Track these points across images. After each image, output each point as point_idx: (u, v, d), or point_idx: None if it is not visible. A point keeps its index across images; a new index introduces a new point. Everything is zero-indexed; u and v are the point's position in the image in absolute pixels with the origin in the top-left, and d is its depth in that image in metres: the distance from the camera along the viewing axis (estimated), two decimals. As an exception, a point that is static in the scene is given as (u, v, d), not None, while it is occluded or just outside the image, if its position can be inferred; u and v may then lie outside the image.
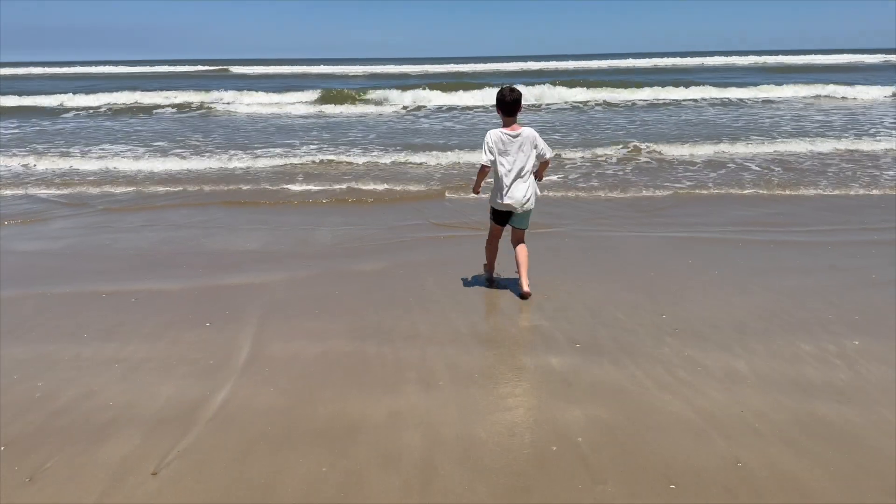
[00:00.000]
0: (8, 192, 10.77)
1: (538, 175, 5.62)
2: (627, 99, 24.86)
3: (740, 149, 13.62)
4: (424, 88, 27.37)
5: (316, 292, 5.76)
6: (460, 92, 26.87)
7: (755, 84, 28.12)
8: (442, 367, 4.27)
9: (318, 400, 3.89)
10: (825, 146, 13.52)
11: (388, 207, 9.36)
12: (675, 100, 24.62)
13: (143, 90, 29.51)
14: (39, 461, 3.34)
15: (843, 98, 24.39)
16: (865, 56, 67.26)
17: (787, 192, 9.82)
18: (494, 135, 5.33)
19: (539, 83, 28.29)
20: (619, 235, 7.51)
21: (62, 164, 13.06)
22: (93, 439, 3.54)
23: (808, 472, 3.13)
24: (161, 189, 10.80)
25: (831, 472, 3.13)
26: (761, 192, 9.88)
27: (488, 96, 24.38)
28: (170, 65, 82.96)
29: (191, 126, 19.72)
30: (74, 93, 28.66)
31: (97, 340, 4.79)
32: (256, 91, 28.66)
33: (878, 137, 14.92)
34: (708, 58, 72.53)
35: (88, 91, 29.74)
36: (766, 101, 23.87)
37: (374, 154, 13.81)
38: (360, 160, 13.02)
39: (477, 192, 5.79)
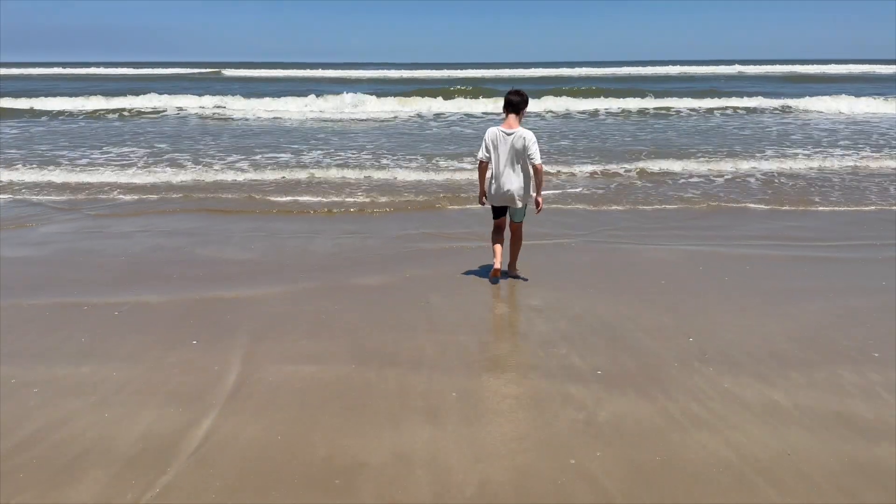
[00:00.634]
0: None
1: (537, 186, 5.72)
2: (642, 107, 24.36)
3: (752, 160, 13.25)
4: (424, 97, 27.05)
5: (313, 308, 5.36)
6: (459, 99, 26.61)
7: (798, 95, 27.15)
8: (451, 396, 3.86)
9: (314, 434, 3.48)
10: (841, 160, 13.11)
11: (390, 217, 8.96)
12: (694, 108, 24.06)
13: (137, 94, 29.15)
14: (-6, 505, 2.94)
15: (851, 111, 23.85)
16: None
17: (804, 206, 9.43)
18: (491, 132, 5.67)
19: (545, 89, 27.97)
20: (634, 248, 7.10)
21: (55, 169, 12.68)
22: (61, 476, 3.14)
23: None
24: (153, 196, 10.40)
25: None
26: (778, 206, 9.49)
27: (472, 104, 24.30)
28: (162, 67, 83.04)
29: (197, 131, 19.35)
30: (71, 95, 28.32)
31: (73, 360, 4.38)
32: (262, 97, 28.08)
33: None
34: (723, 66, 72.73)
35: (77, 93, 29.43)
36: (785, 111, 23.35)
37: (378, 161, 13.44)
38: (365, 166, 12.65)
39: (482, 203, 6.02)
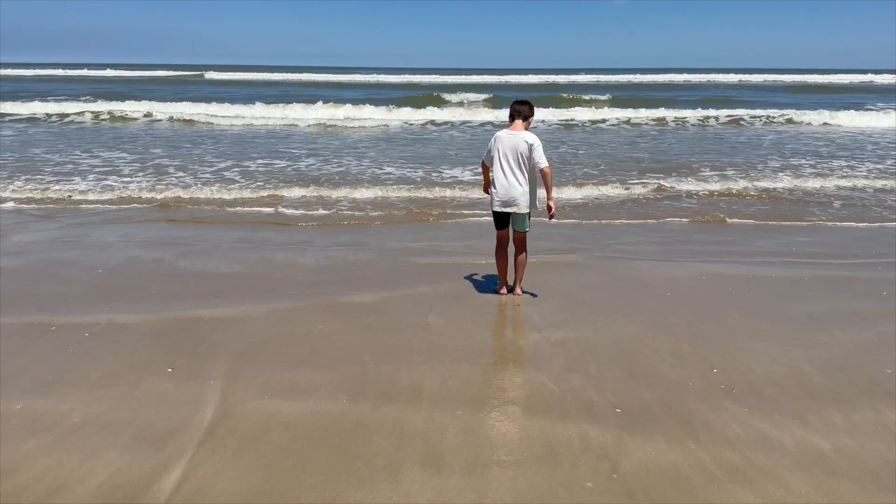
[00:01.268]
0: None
1: (547, 191, 5.50)
2: (649, 117, 23.95)
3: (756, 171, 12.92)
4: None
5: (301, 331, 4.92)
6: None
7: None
8: (453, 439, 3.44)
9: (299, 486, 3.04)
10: (850, 178, 12.75)
11: (384, 228, 8.54)
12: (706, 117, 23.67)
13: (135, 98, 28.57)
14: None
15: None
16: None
17: (814, 221, 9.09)
18: (497, 135, 5.53)
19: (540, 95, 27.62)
20: (643, 265, 6.70)
21: (36, 174, 12.20)
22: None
23: None
24: (138, 207, 9.95)
25: None
26: (787, 221, 9.14)
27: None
28: (143, 69, 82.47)
29: (182, 138, 18.91)
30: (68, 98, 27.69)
31: (31, 392, 3.92)
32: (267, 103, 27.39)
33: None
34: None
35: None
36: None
37: (373, 169, 13.04)
38: (358, 175, 12.24)
39: (486, 191, 5.80)
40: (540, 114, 23.36)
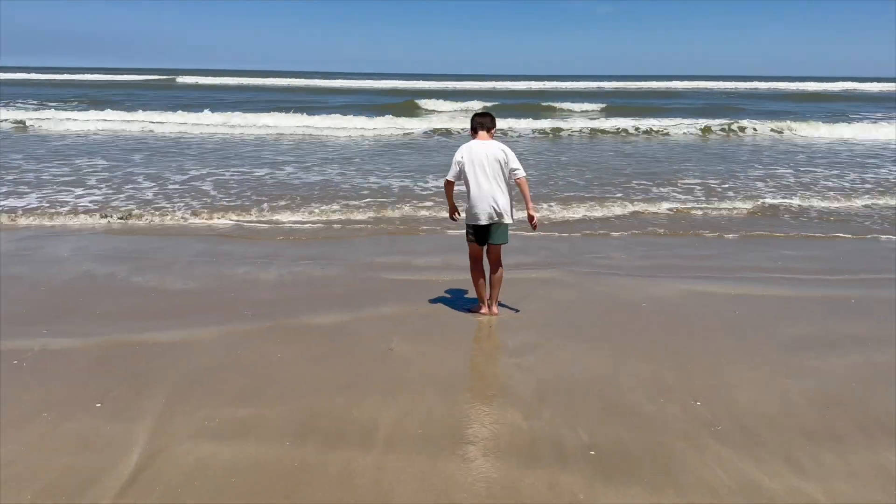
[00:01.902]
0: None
1: (526, 200, 5.23)
2: (633, 126, 23.56)
3: (738, 181, 12.68)
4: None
5: (252, 357, 4.52)
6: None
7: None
8: (407, 486, 3.06)
9: (222, 549, 2.65)
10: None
11: (356, 241, 8.14)
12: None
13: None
14: None
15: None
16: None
17: (808, 234, 8.81)
18: (464, 147, 5.24)
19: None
20: (626, 282, 6.35)
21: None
22: None
23: None
24: (97, 217, 9.49)
25: None
26: (776, 233, 8.86)
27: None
28: (113, 73, 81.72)
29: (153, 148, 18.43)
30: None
31: (-64, 432, 3.51)
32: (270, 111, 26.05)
33: None
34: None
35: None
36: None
37: (346, 178, 12.65)
38: (330, 183, 11.85)
39: (453, 217, 5.54)
40: (521, 123, 23.17)
